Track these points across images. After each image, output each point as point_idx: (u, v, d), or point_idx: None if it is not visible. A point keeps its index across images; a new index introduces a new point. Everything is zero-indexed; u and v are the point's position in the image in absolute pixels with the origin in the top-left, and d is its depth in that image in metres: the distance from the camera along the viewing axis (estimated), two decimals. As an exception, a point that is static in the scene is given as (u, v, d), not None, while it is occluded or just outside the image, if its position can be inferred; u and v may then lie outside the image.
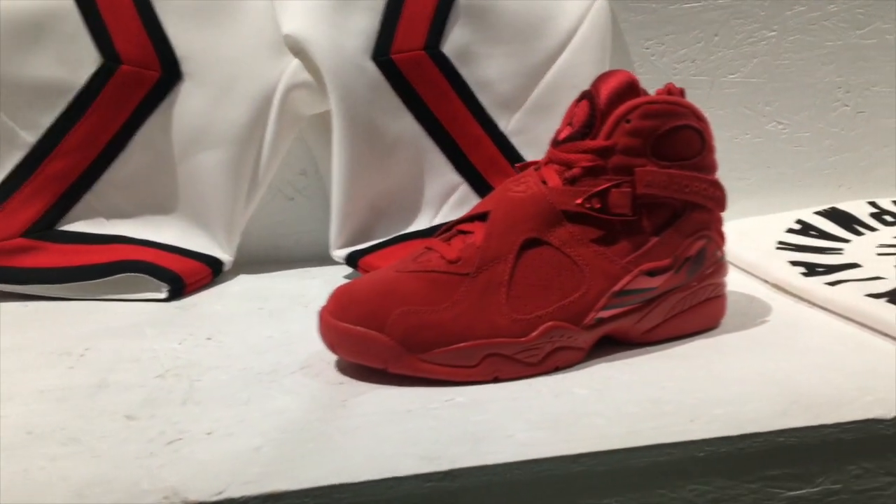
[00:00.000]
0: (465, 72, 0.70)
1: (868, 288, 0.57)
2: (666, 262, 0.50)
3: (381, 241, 0.69)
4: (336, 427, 0.41)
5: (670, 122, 0.49)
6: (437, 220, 0.71)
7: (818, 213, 0.77)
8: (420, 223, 0.71)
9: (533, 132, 0.72)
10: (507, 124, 0.72)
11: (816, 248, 0.69)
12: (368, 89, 0.67)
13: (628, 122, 0.48)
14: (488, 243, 0.48)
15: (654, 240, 0.50)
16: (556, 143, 0.51)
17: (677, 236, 0.50)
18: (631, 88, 0.49)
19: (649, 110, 0.49)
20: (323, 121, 0.69)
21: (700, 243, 0.51)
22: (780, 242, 0.70)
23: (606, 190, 0.49)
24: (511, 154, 0.72)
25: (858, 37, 0.80)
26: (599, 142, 0.49)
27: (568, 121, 0.52)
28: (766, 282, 0.64)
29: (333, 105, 0.66)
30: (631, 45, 0.76)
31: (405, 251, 0.54)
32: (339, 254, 0.68)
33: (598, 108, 0.49)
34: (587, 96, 0.50)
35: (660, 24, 0.76)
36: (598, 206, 0.49)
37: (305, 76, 0.67)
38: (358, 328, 0.45)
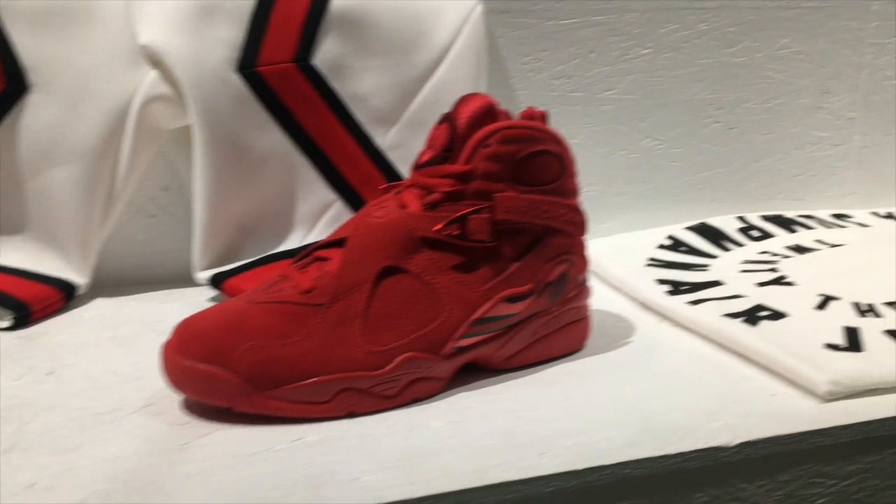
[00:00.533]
0: (337, 85, 0.68)
1: (726, 307, 0.58)
2: (526, 287, 0.50)
3: (248, 261, 0.66)
4: (169, 475, 0.39)
5: (529, 147, 0.49)
6: (310, 239, 0.69)
7: (689, 228, 0.78)
8: (291, 242, 0.69)
9: (409, 147, 0.71)
10: (384, 139, 0.70)
11: (684, 264, 0.70)
12: (233, 103, 0.64)
13: (487, 146, 0.48)
14: (344, 272, 0.47)
15: (515, 265, 0.49)
16: (417, 167, 0.50)
17: (538, 261, 0.50)
18: (489, 113, 0.49)
19: (508, 135, 0.48)
20: (186, 135, 0.66)
21: (561, 268, 0.51)
22: (651, 259, 0.71)
23: (465, 216, 0.48)
24: (388, 170, 0.70)
25: (729, 55, 0.82)
26: (459, 166, 0.48)
27: (430, 144, 0.50)
28: (634, 300, 0.64)
29: (195, 119, 0.63)
30: (508, 61, 0.75)
31: (274, 272, 0.52)
32: (203, 276, 0.64)
33: (457, 131, 0.48)
34: (447, 119, 0.49)
35: (536, 40, 0.76)
36: (457, 232, 0.48)
37: (164, 88, 0.63)
38: (201, 365, 0.43)
